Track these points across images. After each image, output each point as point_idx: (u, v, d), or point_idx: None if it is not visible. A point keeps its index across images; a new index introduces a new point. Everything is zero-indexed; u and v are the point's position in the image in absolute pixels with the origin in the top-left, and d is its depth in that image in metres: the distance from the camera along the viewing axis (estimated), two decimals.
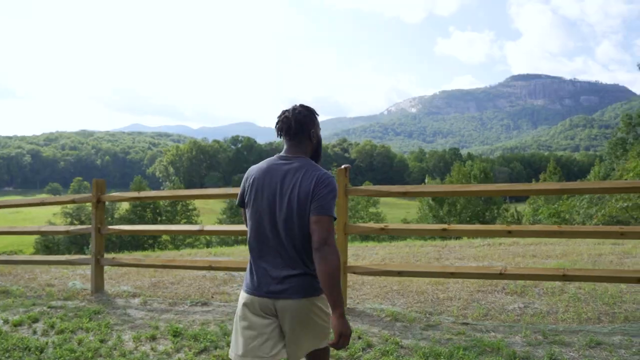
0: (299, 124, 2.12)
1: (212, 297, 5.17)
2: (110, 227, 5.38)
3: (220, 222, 50.65)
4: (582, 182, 3.83)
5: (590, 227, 3.91)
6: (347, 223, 4.50)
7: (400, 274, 4.34)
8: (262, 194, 2.07)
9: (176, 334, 3.88)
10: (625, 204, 26.22)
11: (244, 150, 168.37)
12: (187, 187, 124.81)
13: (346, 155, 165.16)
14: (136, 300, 5.07)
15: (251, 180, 2.13)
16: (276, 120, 2.18)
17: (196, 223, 48.44)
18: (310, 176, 2.01)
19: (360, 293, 5.17)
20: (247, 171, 2.22)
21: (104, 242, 5.44)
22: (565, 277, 3.94)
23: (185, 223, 47.53)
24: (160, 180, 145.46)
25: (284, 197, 2.01)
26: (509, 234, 4.01)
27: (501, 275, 4.06)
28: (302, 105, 2.18)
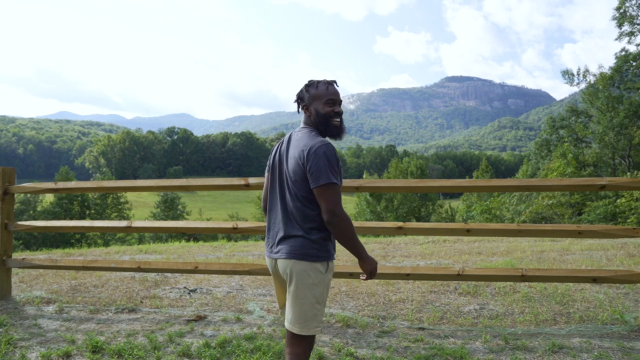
0: (296, 97, 2.31)
1: (142, 302, 4.59)
2: (20, 222, 4.63)
3: (154, 216, 48.54)
4: (543, 180, 3.63)
5: (549, 225, 3.72)
6: None
7: (351, 275, 3.99)
8: (273, 161, 2.29)
9: (96, 349, 3.29)
10: (550, 202, 27.70)
11: (180, 142, 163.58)
12: (119, 179, 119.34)
13: None
14: (50, 308, 4.38)
15: (276, 148, 2.31)
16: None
17: (127, 217, 46.14)
18: (300, 146, 2.11)
19: None
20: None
21: (12, 240, 4.68)
22: (524, 278, 3.76)
23: (116, 217, 45.06)
24: (90, 171, 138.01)
25: (283, 164, 2.20)
26: (468, 232, 3.77)
27: (459, 277, 3.82)
28: (311, 80, 2.28)
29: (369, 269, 2.17)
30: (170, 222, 4.52)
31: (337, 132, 2.23)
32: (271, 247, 2.21)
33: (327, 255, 2.13)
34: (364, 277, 2.23)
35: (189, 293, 4.89)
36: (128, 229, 4.38)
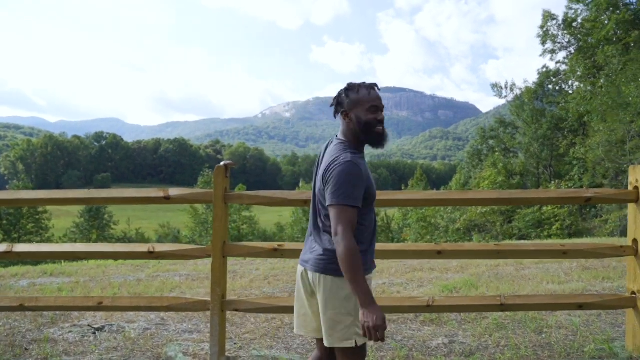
0: (334, 102, 2.16)
1: (27, 349, 3.56)
2: None
3: (78, 226, 45.13)
4: (525, 191, 3.07)
5: (531, 244, 3.20)
6: (226, 242, 3.28)
7: None
8: (313, 172, 2.23)
9: None
10: (485, 209, 28.37)
11: (108, 148, 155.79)
12: (41, 186, 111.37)
13: (219, 157, 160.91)
14: None
15: (319, 154, 2.23)
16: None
17: (45, 228, 42.53)
18: (327, 161, 2.02)
19: (243, 330, 3.96)
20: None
21: None
22: (504, 307, 3.18)
23: (33, 228, 41.41)
24: (7, 178, 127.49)
25: (315, 179, 2.15)
26: (439, 254, 3.14)
27: (429, 308, 3.17)
28: (350, 83, 2.15)
29: (368, 322, 1.78)
30: (65, 245, 3.58)
31: (380, 140, 2.09)
32: (304, 254, 2.16)
33: None
34: (360, 333, 1.89)
35: (94, 332, 3.91)
36: (8, 255, 3.36)
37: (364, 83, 2.10)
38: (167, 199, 3.32)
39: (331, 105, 2.16)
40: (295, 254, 3.28)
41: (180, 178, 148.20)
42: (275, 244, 3.28)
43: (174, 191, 3.34)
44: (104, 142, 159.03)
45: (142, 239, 47.65)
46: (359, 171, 1.93)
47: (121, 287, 5.86)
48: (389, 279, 5.89)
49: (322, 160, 2.12)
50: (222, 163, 3.29)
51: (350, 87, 2.09)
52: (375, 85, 2.11)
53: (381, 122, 2.07)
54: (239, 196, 3.29)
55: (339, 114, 2.13)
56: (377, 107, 2.05)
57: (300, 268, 2.15)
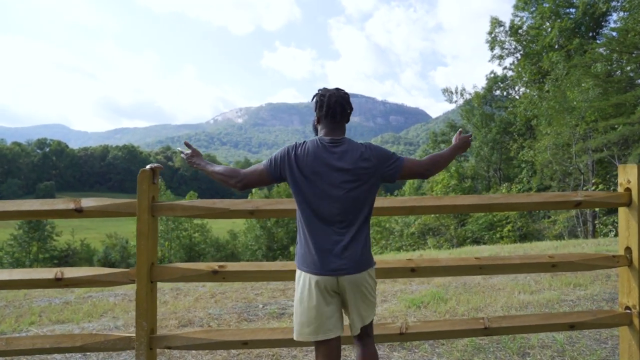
0: (348, 108, 2.29)
1: None
2: None
3: (15, 238, 42.19)
4: (508, 196, 2.63)
5: (516, 258, 2.72)
6: (154, 264, 2.65)
7: (246, 344, 2.65)
8: (320, 177, 2.11)
9: None
10: (438, 214, 28.54)
11: (52, 155, 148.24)
12: None
13: (170, 163, 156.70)
14: None
15: (301, 164, 2.13)
16: (325, 103, 2.22)
17: None
18: (356, 156, 2.16)
19: None
20: (287, 152, 2.18)
21: None
22: (488, 331, 2.72)
23: None
24: None
25: (346, 174, 2.12)
26: (412, 272, 2.64)
27: (402, 336, 2.66)
28: (337, 89, 2.28)
29: None
30: None
31: None
32: (333, 262, 2.09)
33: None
34: None
35: None
36: None
37: None
38: (78, 212, 2.65)
39: (348, 112, 2.29)
40: (239, 276, 2.70)
41: (129, 185, 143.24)
42: (215, 265, 2.68)
43: (88, 202, 2.68)
44: (47, 149, 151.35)
45: (87, 250, 45.25)
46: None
47: (42, 313, 5.05)
48: None
49: (339, 159, 2.14)
50: (148, 166, 2.66)
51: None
52: None
53: None
54: (170, 207, 2.66)
55: (346, 116, 2.30)
56: None
57: (326, 279, 2.07)
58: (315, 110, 2.26)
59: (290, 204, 2.69)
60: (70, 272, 2.67)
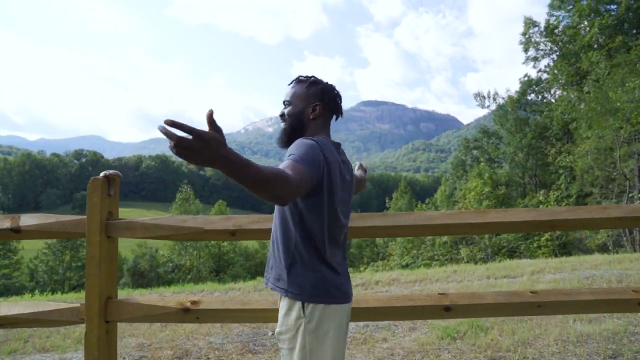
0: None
1: None
2: None
3: (49, 246, 42.99)
4: (576, 209, 1.91)
5: (587, 290, 2.03)
6: (111, 299, 2.06)
7: None
8: (342, 184, 1.77)
9: None
10: (482, 234, 27.40)
11: (88, 166, 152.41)
12: (19, 205, 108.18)
13: (201, 172, 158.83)
14: None
15: (334, 170, 1.71)
16: (334, 96, 1.88)
17: (15, 250, 40.36)
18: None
19: None
20: (320, 148, 1.65)
21: None
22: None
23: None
24: None
25: (351, 187, 1.90)
26: (447, 312, 1.97)
27: None
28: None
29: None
30: None
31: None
32: (349, 284, 1.80)
33: None
34: None
35: None
36: None
37: None
38: (16, 232, 2.09)
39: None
40: (217, 316, 2.07)
41: (162, 195, 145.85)
42: (187, 301, 2.06)
43: (28, 219, 2.11)
44: (83, 160, 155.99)
45: (119, 260, 45.71)
46: None
47: (30, 338, 4.55)
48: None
49: (348, 166, 1.88)
50: (102, 173, 2.09)
51: None
52: (295, 79, 1.90)
53: (281, 116, 1.88)
54: (127, 226, 2.06)
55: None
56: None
57: (349, 306, 1.74)
58: (317, 101, 1.83)
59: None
60: (4, 309, 2.10)
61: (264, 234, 2.03)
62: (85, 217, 2.08)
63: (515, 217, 2.04)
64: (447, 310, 2.01)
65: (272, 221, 1.80)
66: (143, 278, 32.28)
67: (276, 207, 1.73)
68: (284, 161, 1.54)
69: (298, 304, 1.61)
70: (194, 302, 2.04)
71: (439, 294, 2.06)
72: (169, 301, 2.05)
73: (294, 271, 1.64)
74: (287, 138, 1.83)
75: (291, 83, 1.89)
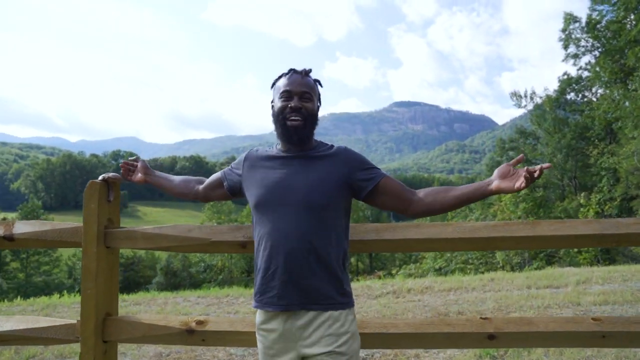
0: None
1: None
2: None
3: None
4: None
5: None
6: (110, 316, 1.85)
7: None
8: None
9: None
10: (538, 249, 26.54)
11: None
12: (60, 204, 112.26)
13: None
14: None
15: None
16: None
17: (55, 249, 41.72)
18: None
19: None
20: None
21: None
22: None
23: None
24: (26, 197, 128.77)
25: None
26: (491, 340, 1.68)
27: None
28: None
29: None
30: None
31: (291, 133, 1.65)
32: None
33: None
34: None
35: None
36: None
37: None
38: (9, 240, 1.91)
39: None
40: (223, 339, 1.82)
41: None
42: (192, 321, 1.83)
43: (22, 226, 1.93)
44: (121, 161, 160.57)
45: (152, 258, 46.64)
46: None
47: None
48: None
49: None
50: (100, 177, 1.88)
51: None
52: (303, 70, 1.73)
53: (293, 110, 1.64)
54: (128, 235, 1.85)
55: None
56: (289, 92, 1.67)
57: None
58: (319, 101, 1.82)
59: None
60: None
61: None
62: (80, 225, 1.87)
63: (572, 230, 1.72)
64: (490, 338, 1.70)
65: (294, 231, 1.54)
66: (175, 277, 32.73)
67: (317, 219, 1.55)
68: (388, 179, 1.69)
69: (351, 310, 1.60)
70: (199, 323, 1.80)
71: (481, 318, 1.76)
72: (173, 321, 1.82)
73: (346, 280, 1.60)
74: (309, 139, 1.69)
75: (305, 74, 1.72)
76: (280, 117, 1.66)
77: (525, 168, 1.60)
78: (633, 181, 23.76)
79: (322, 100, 1.80)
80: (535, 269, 17.30)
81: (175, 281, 31.41)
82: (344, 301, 1.57)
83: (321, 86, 1.79)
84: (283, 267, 1.51)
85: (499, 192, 1.63)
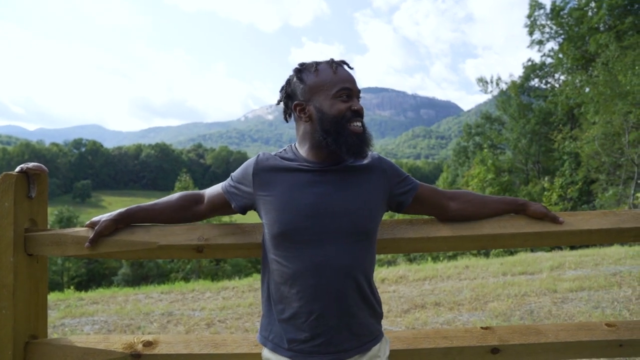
0: (283, 93, 1.42)
1: None
2: None
3: None
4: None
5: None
6: (36, 337, 1.52)
7: None
8: None
9: None
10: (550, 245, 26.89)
11: (88, 155, 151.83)
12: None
13: (201, 160, 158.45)
14: None
15: None
16: None
17: None
18: None
19: None
20: None
21: None
22: None
23: None
24: None
25: None
26: (494, 354, 1.45)
27: None
28: (302, 62, 1.41)
29: None
30: None
31: (359, 143, 1.27)
32: None
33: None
34: None
35: None
36: None
37: (327, 60, 1.34)
38: None
39: (278, 102, 1.42)
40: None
41: (162, 183, 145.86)
42: (139, 342, 1.52)
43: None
44: (83, 149, 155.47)
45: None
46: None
47: None
48: None
49: None
50: (18, 168, 1.53)
51: (304, 68, 1.34)
52: (343, 62, 1.34)
53: (358, 114, 1.28)
54: (55, 239, 1.50)
55: (293, 113, 1.36)
56: (349, 90, 1.28)
57: None
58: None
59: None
60: None
61: (241, 249, 1.47)
62: None
63: (587, 224, 1.49)
64: (494, 352, 1.47)
65: (341, 267, 1.25)
66: (142, 268, 31.82)
67: (364, 248, 1.29)
68: (423, 188, 1.43)
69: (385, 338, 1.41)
70: (147, 344, 1.49)
71: (481, 328, 1.52)
72: (115, 342, 1.50)
73: (378, 300, 1.38)
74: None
75: (348, 67, 1.37)
76: (342, 122, 1.27)
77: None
78: (593, 165, 24.41)
79: None
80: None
81: (142, 272, 30.51)
82: (380, 327, 1.37)
83: None
84: (335, 311, 1.23)
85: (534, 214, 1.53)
